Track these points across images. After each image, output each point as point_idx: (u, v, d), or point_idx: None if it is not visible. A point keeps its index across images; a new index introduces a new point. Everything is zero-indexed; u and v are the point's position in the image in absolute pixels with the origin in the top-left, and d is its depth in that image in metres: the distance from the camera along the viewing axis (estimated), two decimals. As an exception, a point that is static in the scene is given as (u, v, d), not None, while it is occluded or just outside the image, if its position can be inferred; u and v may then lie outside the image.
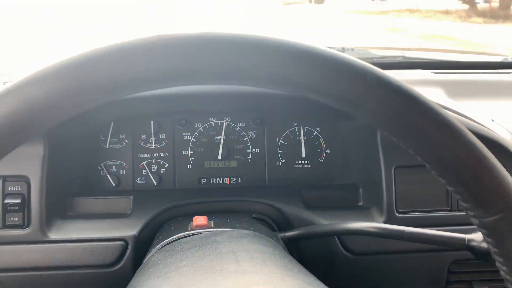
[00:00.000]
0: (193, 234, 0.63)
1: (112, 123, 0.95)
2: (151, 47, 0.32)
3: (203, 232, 0.64)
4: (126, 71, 0.32)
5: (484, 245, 0.62)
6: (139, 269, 0.57)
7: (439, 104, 0.36)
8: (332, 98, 0.35)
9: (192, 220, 0.70)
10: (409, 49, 1.62)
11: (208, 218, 0.71)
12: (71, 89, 0.31)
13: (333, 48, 1.30)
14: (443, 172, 0.36)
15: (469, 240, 0.63)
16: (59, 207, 0.82)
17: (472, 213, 0.37)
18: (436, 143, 0.35)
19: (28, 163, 0.77)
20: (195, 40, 0.33)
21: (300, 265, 0.51)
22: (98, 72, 0.31)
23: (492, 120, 0.90)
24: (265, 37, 0.36)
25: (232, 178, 0.97)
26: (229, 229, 0.65)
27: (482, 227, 0.37)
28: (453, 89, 1.07)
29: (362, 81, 0.34)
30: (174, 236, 0.64)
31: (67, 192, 0.85)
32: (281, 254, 0.53)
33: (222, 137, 0.97)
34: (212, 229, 0.65)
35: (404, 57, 1.28)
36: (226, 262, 0.46)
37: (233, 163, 0.98)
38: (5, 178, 0.77)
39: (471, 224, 0.81)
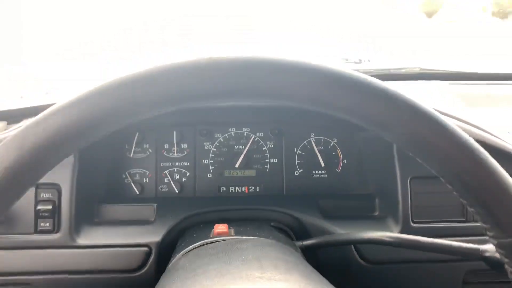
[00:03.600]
0: (218, 241, 0.66)
1: (137, 133, 0.99)
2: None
3: (228, 238, 0.67)
4: (182, 88, 0.37)
5: (499, 255, 0.63)
6: (166, 270, 0.60)
7: (461, 123, 0.39)
8: (362, 120, 0.38)
9: (213, 228, 0.73)
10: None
11: (228, 226, 0.74)
12: (131, 102, 0.36)
13: (349, 59, 1.33)
14: (465, 194, 0.38)
15: (483, 251, 0.64)
16: (87, 214, 0.86)
17: (491, 234, 0.39)
18: (459, 167, 0.37)
19: (59, 171, 0.81)
20: (238, 63, 0.37)
21: (322, 276, 0.53)
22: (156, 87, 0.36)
23: (509, 133, 0.90)
24: (305, 62, 0.39)
25: (250, 187, 1.00)
26: (252, 237, 0.68)
27: (500, 247, 0.39)
28: (470, 100, 1.08)
29: (391, 106, 0.37)
30: (200, 242, 0.67)
31: (94, 199, 0.89)
32: (304, 264, 0.55)
33: (246, 147, 1.00)
34: (235, 237, 0.68)
35: (421, 69, 1.29)
36: (251, 269, 0.48)
37: (252, 172, 1.01)
38: (38, 186, 0.81)
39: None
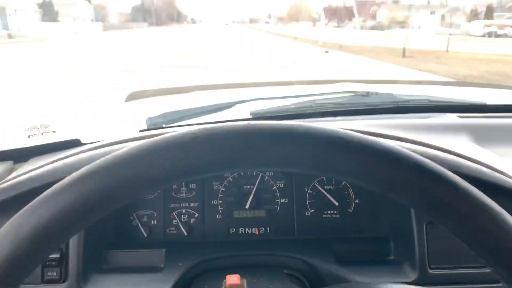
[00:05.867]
0: None
1: None
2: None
3: None
4: (181, 161, 0.38)
5: None
6: None
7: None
8: (373, 185, 0.38)
9: (224, 277, 0.71)
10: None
11: (240, 277, 0.71)
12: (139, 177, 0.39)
13: (357, 91, 1.32)
14: (484, 254, 0.38)
15: None
16: (95, 260, 0.84)
17: None
18: (477, 227, 0.36)
19: None
20: (237, 132, 0.38)
21: None
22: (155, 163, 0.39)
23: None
24: (308, 126, 0.38)
25: (260, 228, 0.98)
26: None
27: None
28: (480, 134, 1.06)
29: (402, 168, 0.37)
30: None
31: (102, 244, 0.87)
32: None
33: (255, 187, 0.98)
34: None
35: (429, 101, 1.28)
36: None
37: (262, 213, 0.99)
38: None
39: (507, 281, 0.79)
